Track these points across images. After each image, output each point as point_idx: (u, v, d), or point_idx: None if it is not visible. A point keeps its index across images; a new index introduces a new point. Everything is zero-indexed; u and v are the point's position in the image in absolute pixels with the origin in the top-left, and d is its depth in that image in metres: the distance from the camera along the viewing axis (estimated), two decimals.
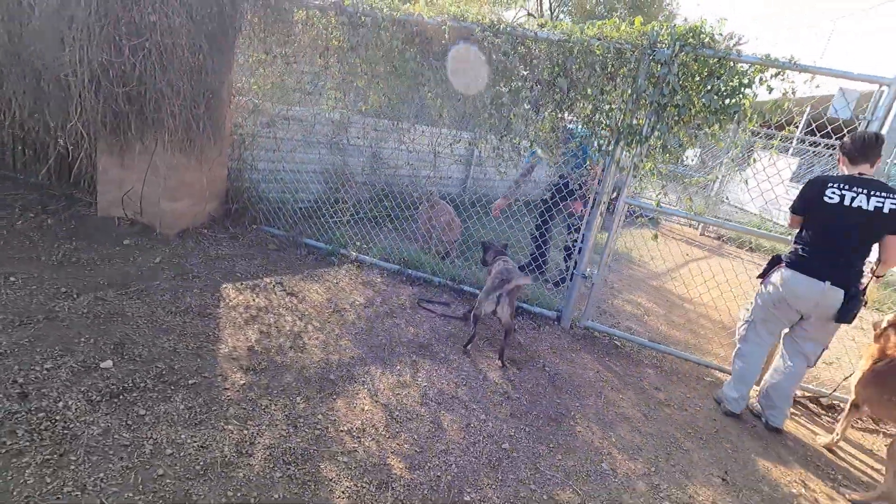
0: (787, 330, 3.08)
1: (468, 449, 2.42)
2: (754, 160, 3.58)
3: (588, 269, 3.86)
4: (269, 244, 4.53)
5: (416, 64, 3.78)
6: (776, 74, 3.17)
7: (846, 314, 2.72)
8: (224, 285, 3.59)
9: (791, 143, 7.93)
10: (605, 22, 3.39)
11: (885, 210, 2.60)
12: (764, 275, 3.06)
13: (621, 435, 2.79)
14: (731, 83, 3.22)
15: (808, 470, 2.81)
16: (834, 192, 2.70)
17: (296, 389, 2.59)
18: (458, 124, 4.31)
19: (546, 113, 3.75)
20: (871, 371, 2.83)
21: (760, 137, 5.99)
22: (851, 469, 2.91)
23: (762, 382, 3.19)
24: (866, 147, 2.70)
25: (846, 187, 2.68)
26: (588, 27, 3.43)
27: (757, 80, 3.22)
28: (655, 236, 3.55)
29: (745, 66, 3.22)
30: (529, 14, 29.85)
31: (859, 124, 3.15)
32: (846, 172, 2.80)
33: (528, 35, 3.56)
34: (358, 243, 4.65)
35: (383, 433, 2.41)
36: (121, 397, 2.27)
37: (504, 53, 3.64)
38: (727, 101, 3.26)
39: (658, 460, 2.63)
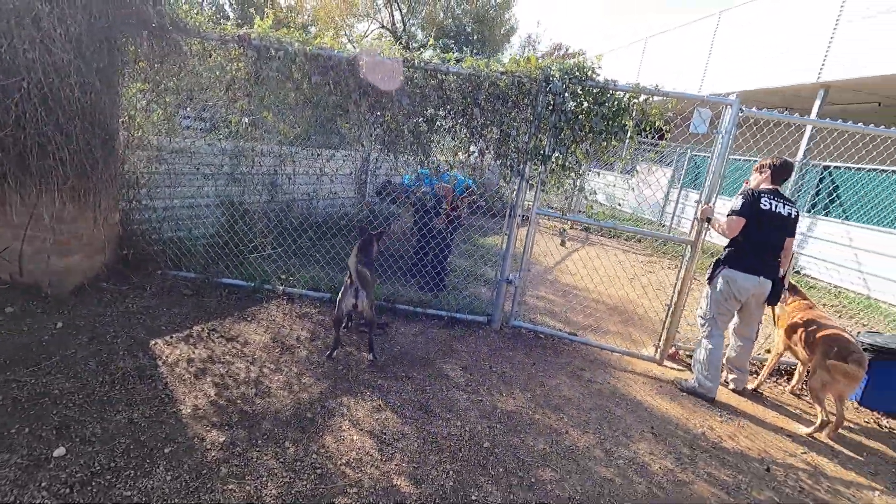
0: (735, 318, 3.81)
1: (457, 454, 2.66)
2: (637, 171, 4.34)
3: (511, 275, 4.32)
4: (182, 289, 4.22)
5: (335, 97, 3.87)
6: (645, 99, 3.93)
7: (774, 298, 3.57)
8: (153, 342, 3.32)
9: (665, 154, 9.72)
10: (510, 59, 3.86)
11: (793, 215, 3.47)
12: (711, 277, 3.72)
13: (571, 415, 3.25)
14: (612, 108, 3.91)
15: (712, 414, 3.57)
16: (767, 202, 3.45)
17: (280, 435, 2.57)
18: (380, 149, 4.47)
19: (460, 139, 4.12)
20: (789, 326, 3.79)
21: (643, 151, 7.28)
22: (744, 413, 3.75)
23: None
24: (788, 171, 3.57)
25: (773, 198, 3.47)
26: (493, 63, 3.88)
27: (631, 104, 3.95)
28: (563, 242, 4.14)
29: (621, 94, 3.94)
30: (383, 26, 30.59)
31: (714, 137, 4.04)
32: (766, 187, 3.57)
33: (440, 69, 3.89)
34: (282, 276, 4.55)
35: (379, 458, 2.53)
36: (94, 483, 2.07)
37: (419, 86, 3.92)
38: (609, 122, 3.94)
39: (603, 430, 3.14)
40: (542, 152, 4.00)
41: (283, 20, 19.01)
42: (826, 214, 8.84)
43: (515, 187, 4.17)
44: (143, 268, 4.33)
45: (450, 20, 29.84)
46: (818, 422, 3.46)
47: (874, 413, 3.95)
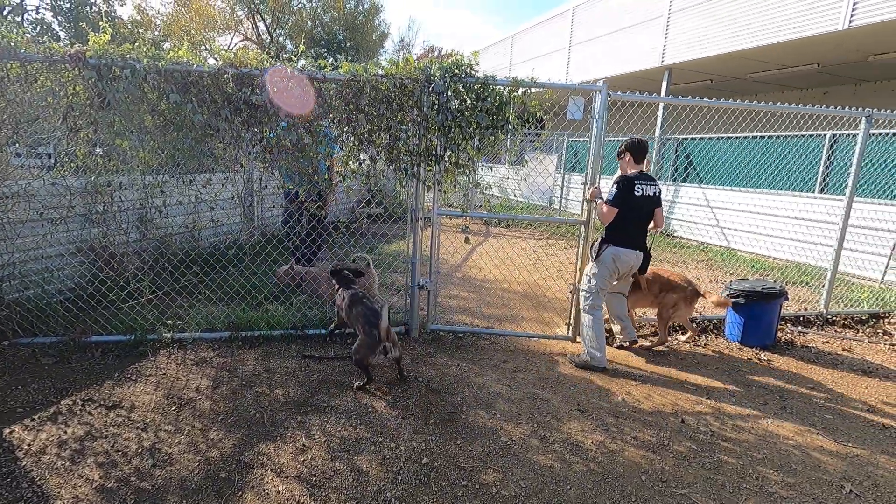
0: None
1: (397, 478, 2.51)
2: (527, 161, 4.48)
3: (422, 280, 4.24)
4: (40, 358, 3.55)
5: (202, 116, 3.48)
6: (524, 92, 4.06)
7: (645, 268, 4.04)
8: (6, 430, 2.73)
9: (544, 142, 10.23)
10: (388, 61, 3.76)
11: (658, 193, 3.91)
12: (597, 256, 3.94)
13: (502, 409, 3.25)
14: (495, 103, 3.98)
15: (628, 380, 3.78)
16: (639, 187, 3.79)
17: None
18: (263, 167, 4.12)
19: (350, 147, 3.94)
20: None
21: (529, 142, 7.62)
22: (653, 374, 4.03)
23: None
24: (644, 148, 3.90)
25: (642, 182, 3.82)
26: (371, 66, 3.75)
27: (511, 97, 4.06)
28: (467, 239, 4.16)
29: (501, 88, 4.03)
30: (246, 38, 28.93)
31: (589, 122, 4.28)
32: (632, 171, 3.90)
33: (316, 77, 3.68)
34: (168, 321, 4.02)
35: (313, 503, 2.31)
36: None
37: (295, 96, 3.67)
38: (494, 117, 4.01)
39: (535, 417, 3.18)
40: (434, 152, 3.97)
41: (127, 36, 17.10)
42: (685, 180, 9.99)
43: (413, 190, 4.10)
44: None
45: (319, 28, 29.09)
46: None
47: (753, 350, 4.50)
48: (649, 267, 4.14)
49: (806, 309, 5.64)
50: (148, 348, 3.79)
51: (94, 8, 16.60)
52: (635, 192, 3.82)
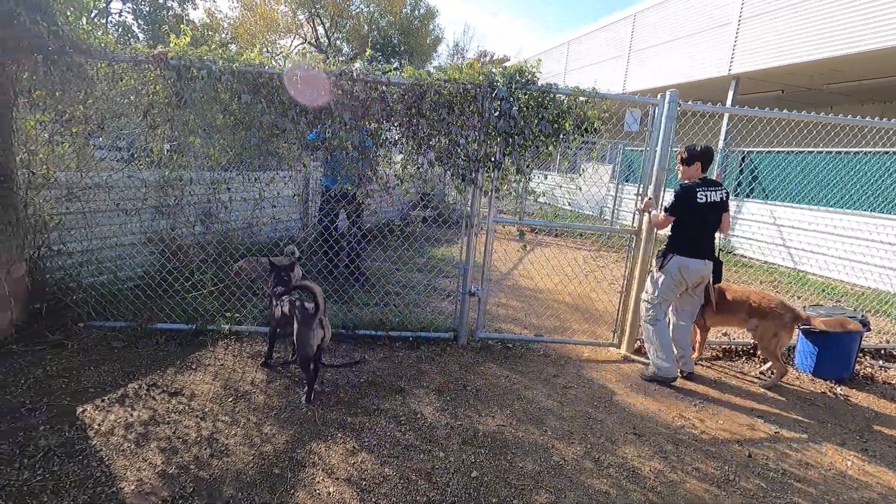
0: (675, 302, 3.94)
1: (446, 490, 2.46)
2: (583, 169, 4.36)
3: (473, 286, 4.19)
4: (111, 341, 3.74)
5: (270, 116, 3.58)
6: (585, 101, 3.95)
7: (719, 277, 3.84)
8: (80, 408, 2.88)
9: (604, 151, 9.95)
10: (452, 66, 3.75)
11: (724, 198, 3.73)
12: (661, 266, 3.80)
13: (553, 426, 3.15)
14: (555, 111, 3.89)
15: (685, 405, 3.58)
16: (702, 194, 3.64)
17: (245, 500, 2.27)
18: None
19: (408, 150, 3.95)
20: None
21: (586, 150, 7.44)
22: (712, 398, 3.81)
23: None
24: (710, 156, 3.75)
25: (706, 189, 3.66)
26: (435, 72, 3.75)
27: (572, 106, 3.96)
28: (524, 246, 4.07)
29: (562, 97, 3.94)
30: (306, 41, 29.92)
31: (646, 134, 4.14)
32: (695, 177, 3.74)
33: (381, 81, 3.71)
34: (227, 314, 4.16)
35: None
36: None
37: (359, 99, 3.71)
38: (554, 125, 3.92)
39: (588, 437, 3.05)
40: (493, 158, 3.92)
41: (198, 38, 18.06)
42: (749, 196, 9.46)
43: (469, 196, 4.06)
44: (61, 322, 3.81)
45: (375, 32, 29.70)
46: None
47: (827, 383, 4.16)
48: (740, 286, 3.95)
49: (888, 342, 5.18)
50: (207, 338, 3.93)
51: (170, 11, 17.68)
52: (698, 200, 3.67)
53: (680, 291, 3.87)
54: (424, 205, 9.04)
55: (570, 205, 8.36)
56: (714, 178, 3.87)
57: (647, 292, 3.98)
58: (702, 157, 3.75)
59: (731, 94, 10.44)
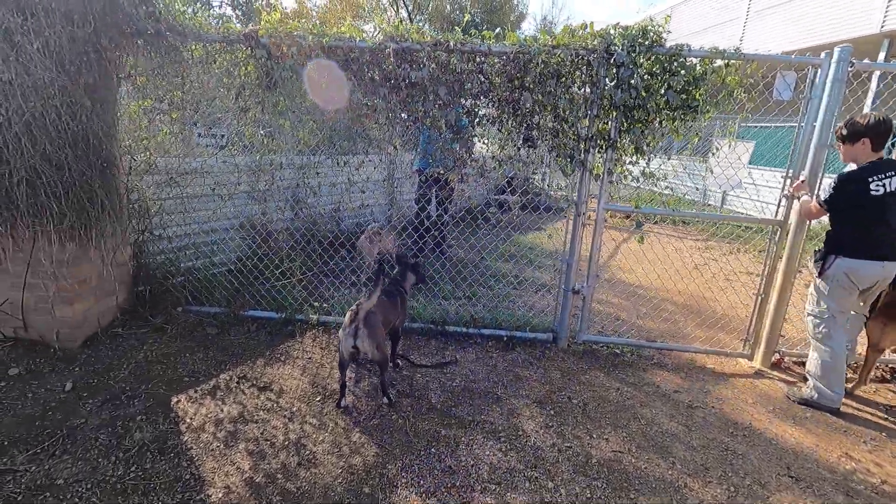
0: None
1: None
2: (716, 148, 3.67)
3: (577, 284, 3.70)
4: (206, 328, 3.74)
5: (360, 94, 3.32)
6: (726, 65, 3.26)
7: None
8: (174, 398, 2.83)
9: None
10: (563, 29, 3.24)
11: None
12: (822, 270, 3.08)
13: (682, 457, 2.63)
14: (687, 78, 3.24)
15: (853, 441, 2.89)
16: (878, 186, 2.83)
17: None
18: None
19: (507, 129, 3.52)
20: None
21: (718, 125, 6.41)
22: (889, 432, 3.06)
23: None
24: (888, 135, 2.88)
25: (882, 176, 2.84)
26: (542, 36, 3.26)
27: (708, 71, 3.29)
28: (641, 239, 3.51)
29: (695, 60, 3.27)
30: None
31: (800, 103, 3.36)
32: (863, 159, 2.94)
33: (479, 50, 3.29)
34: (315, 303, 4.03)
35: None
36: None
37: (455, 72, 3.33)
38: (684, 95, 3.28)
39: (729, 476, 2.50)
40: (607, 136, 3.37)
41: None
42: None
43: (577, 180, 3.55)
44: (162, 306, 3.87)
45: (457, 12, 29.14)
46: None
47: None
48: None
49: None
50: (296, 328, 3.82)
51: (262, 1, 18.40)
52: (871, 192, 2.85)
53: (853, 299, 3.09)
54: (513, 189, 8.56)
55: (697, 190, 7.39)
56: (892, 159, 3.00)
57: (812, 303, 3.22)
58: (872, 131, 2.89)
59: (881, 55, 8.74)
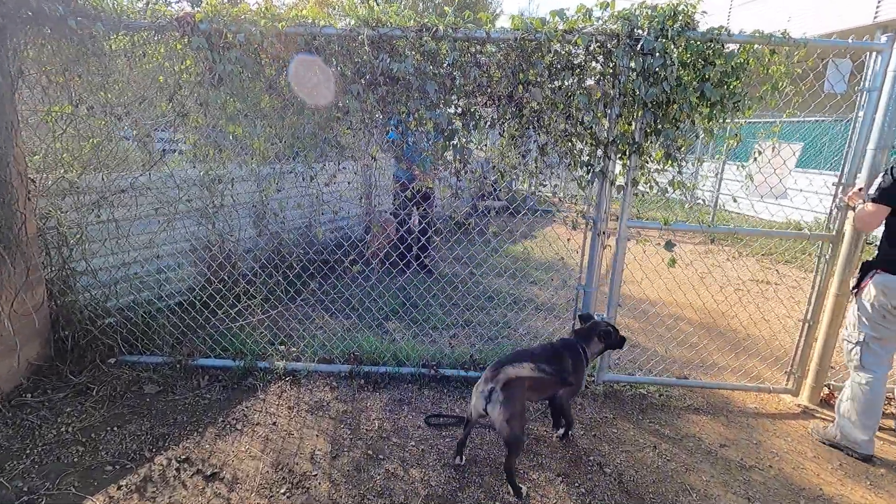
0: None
1: None
2: (759, 151, 3.12)
3: (596, 314, 3.11)
4: (144, 385, 3.02)
5: (326, 92, 2.65)
6: (771, 53, 2.71)
7: None
8: (88, 503, 2.12)
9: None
10: (578, 9, 2.63)
11: None
12: (858, 287, 2.60)
13: None
14: (726, 69, 2.68)
15: None
16: None
17: None
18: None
19: (510, 133, 2.91)
20: None
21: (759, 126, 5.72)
22: None
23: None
24: None
25: None
26: (552, 19, 2.64)
27: (747, 60, 2.74)
28: (672, 261, 2.94)
29: (734, 47, 2.72)
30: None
31: (856, 97, 2.85)
32: None
33: (475, 37, 2.66)
34: (281, 346, 3.35)
35: None
36: None
37: (445, 64, 2.69)
38: (723, 88, 2.72)
39: None
40: (631, 139, 2.79)
41: None
42: None
43: (596, 192, 2.96)
44: (89, 358, 3.13)
45: (430, 9, 28.53)
46: None
47: None
48: None
49: None
50: (258, 380, 3.12)
51: None
52: None
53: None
54: (496, 196, 7.99)
55: (734, 200, 6.86)
56: None
57: (848, 326, 2.75)
58: None
59: None
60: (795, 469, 2.60)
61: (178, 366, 3.18)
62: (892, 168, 2.49)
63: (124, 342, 3.23)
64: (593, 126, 2.79)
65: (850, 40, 2.76)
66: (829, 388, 3.24)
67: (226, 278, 3.66)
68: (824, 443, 2.82)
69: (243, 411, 2.83)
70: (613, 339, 2.77)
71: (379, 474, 2.36)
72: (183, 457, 2.42)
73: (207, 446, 2.51)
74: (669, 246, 2.91)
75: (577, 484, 2.38)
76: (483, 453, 2.56)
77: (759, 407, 3.20)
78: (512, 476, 2.26)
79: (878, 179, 2.56)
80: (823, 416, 3.09)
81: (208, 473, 2.32)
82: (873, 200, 2.53)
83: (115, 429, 2.61)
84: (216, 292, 3.41)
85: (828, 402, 3.20)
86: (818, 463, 2.66)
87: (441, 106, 2.74)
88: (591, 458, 2.58)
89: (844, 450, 2.74)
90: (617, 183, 2.89)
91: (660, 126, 2.71)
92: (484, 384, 2.26)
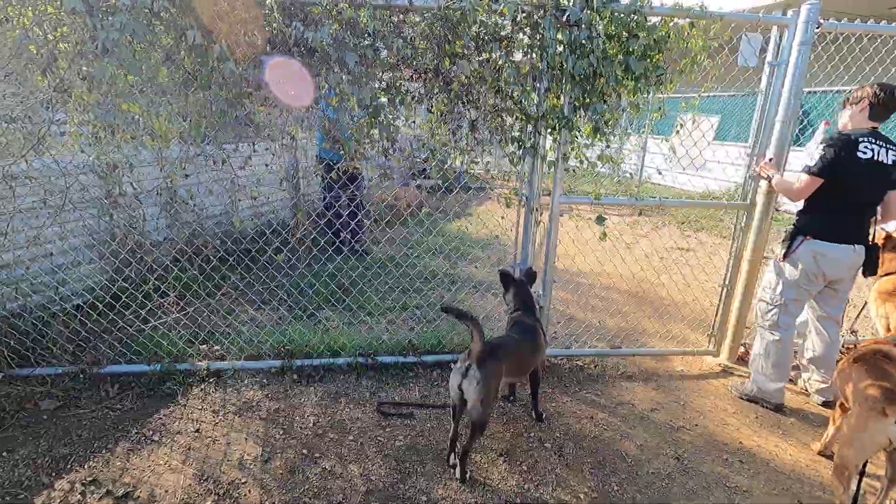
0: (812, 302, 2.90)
1: None
2: (680, 124, 3.21)
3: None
4: (39, 400, 2.67)
5: (235, 65, 2.37)
6: (691, 26, 2.76)
7: (871, 267, 2.68)
8: None
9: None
10: None
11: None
12: (788, 253, 2.73)
13: None
14: (649, 41, 2.70)
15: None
16: (866, 148, 2.47)
17: None
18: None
19: (439, 108, 2.79)
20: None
21: (679, 99, 5.87)
22: None
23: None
24: (894, 104, 2.51)
25: (874, 142, 2.49)
26: None
27: (667, 33, 2.78)
28: (604, 234, 2.98)
29: (656, 20, 2.74)
30: None
31: (767, 70, 2.97)
32: (863, 126, 2.57)
33: (397, 4, 2.49)
34: (203, 345, 3.08)
35: None
36: None
37: (368, 34, 2.51)
38: (647, 62, 2.74)
39: None
40: (560, 114, 2.75)
41: None
42: None
43: (527, 169, 2.92)
44: None
45: None
46: None
47: None
48: None
49: None
50: (177, 385, 2.85)
51: None
52: (859, 155, 2.49)
53: (817, 288, 2.81)
54: (427, 174, 7.86)
55: (659, 173, 7.04)
56: (886, 135, 2.69)
57: (766, 288, 2.92)
58: (874, 98, 2.54)
59: None
60: (718, 426, 2.76)
61: (81, 376, 2.84)
62: (830, 141, 2.56)
63: (13, 354, 2.83)
64: (523, 101, 2.72)
65: (760, 14, 2.87)
66: (744, 347, 3.47)
67: (132, 275, 3.30)
68: (742, 398, 3.03)
69: (161, 420, 2.58)
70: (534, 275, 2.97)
71: (315, 474, 2.23)
72: (89, 478, 2.16)
73: (119, 463, 2.26)
74: (600, 220, 2.94)
75: (518, 462, 2.38)
76: (424, 441, 2.50)
77: (685, 369, 3.38)
78: (467, 458, 2.23)
79: (818, 152, 2.59)
80: (741, 374, 3.31)
81: (120, 494, 2.08)
82: (812, 174, 2.57)
83: (4, 455, 2.29)
84: (121, 291, 3.07)
85: (743, 360, 3.43)
86: (738, 418, 2.85)
87: (364, 80, 2.55)
88: (532, 433, 2.59)
89: (760, 402, 2.96)
90: (548, 158, 2.86)
91: (588, 100, 2.69)
92: (462, 362, 2.20)
